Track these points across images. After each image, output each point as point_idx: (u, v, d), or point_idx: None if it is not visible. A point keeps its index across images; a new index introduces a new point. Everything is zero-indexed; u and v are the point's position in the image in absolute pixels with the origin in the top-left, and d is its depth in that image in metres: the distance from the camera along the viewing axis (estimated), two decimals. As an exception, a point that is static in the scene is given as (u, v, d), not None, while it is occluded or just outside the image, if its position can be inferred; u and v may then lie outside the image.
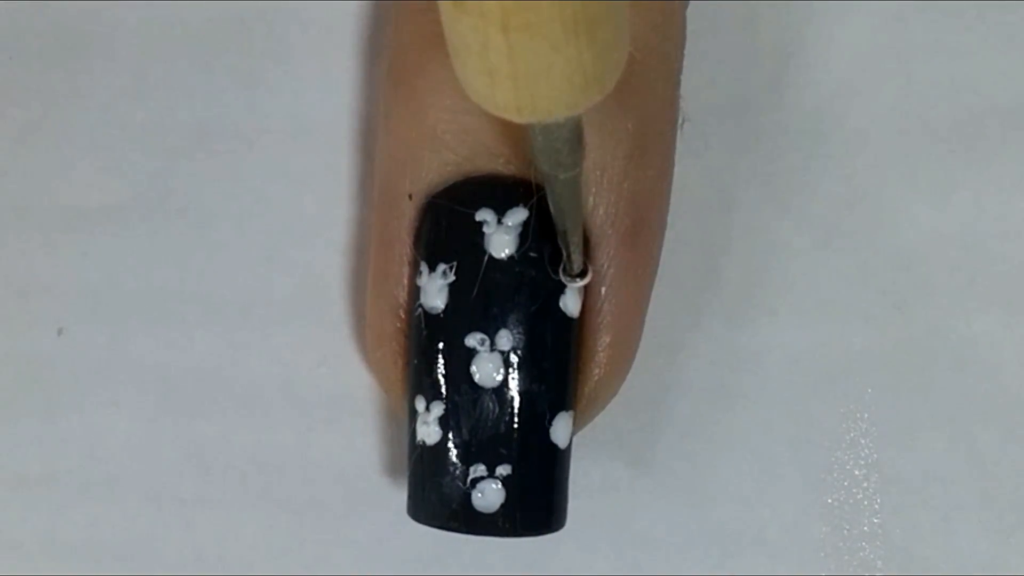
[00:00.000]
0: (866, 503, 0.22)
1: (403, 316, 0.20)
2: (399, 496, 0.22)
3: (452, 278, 0.19)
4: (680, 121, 0.21)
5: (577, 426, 0.20)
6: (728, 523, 0.22)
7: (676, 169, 0.21)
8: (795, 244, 0.22)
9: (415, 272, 0.19)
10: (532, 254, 0.19)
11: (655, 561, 0.22)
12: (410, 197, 0.20)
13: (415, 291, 0.19)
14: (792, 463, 0.22)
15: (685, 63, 0.20)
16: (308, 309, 0.23)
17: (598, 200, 0.19)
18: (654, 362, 0.22)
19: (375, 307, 0.20)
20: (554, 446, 0.19)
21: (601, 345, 0.20)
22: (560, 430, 0.19)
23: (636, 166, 0.19)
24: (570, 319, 0.19)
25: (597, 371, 0.20)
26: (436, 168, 0.19)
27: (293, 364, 0.23)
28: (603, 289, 0.19)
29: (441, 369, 0.19)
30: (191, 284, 0.23)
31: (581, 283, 0.19)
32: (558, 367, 0.19)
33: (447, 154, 0.19)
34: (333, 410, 0.23)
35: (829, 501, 0.22)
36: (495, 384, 0.19)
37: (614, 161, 0.19)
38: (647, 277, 0.20)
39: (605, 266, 0.19)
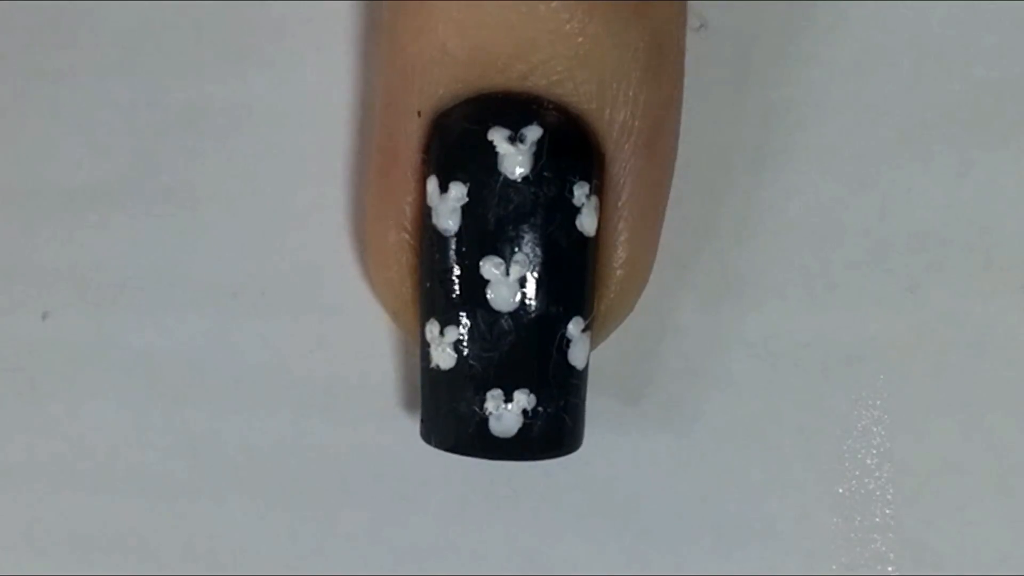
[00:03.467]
0: (878, 493, 0.22)
1: (411, 230, 0.20)
2: (394, 485, 0.22)
3: (465, 199, 0.19)
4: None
5: (594, 345, 0.20)
6: (736, 514, 0.22)
7: (681, 150, 0.20)
8: (805, 226, 0.22)
9: (424, 188, 0.19)
10: (547, 173, 0.19)
11: (661, 553, 0.22)
12: (419, 114, 0.19)
13: (425, 211, 0.19)
14: (802, 452, 0.22)
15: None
16: (301, 293, 0.22)
17: (614, 113, 0.19)
18: (661, 347, 0.22)
19: (380, 225, 0.20)
20: (572, 368, 0.19)
21: (617, 261, 0.20)
22: (578, 352, 0.19)
23: (652, 77, 0.19)
24: (587, 238, 0.19)
25: (614, 287, 0.20)
26: (446, 84, 0.19)
27: (286, 349, 0.22)
28: (619, 203, 0.19)
29: (455, 293, 0.19)
30: (180, 267, 0.23)
31: None
32: (575, 288, 0.19)
33: (457, 69, 0.19)
34: (327, 396, 0.22)
35: (840, 491, 0.22)
36: (511, 307, 0.19)
37: (631, 73, 0.19)
38: (663, 190, 0.20)
39: (621, 179, 0.19)
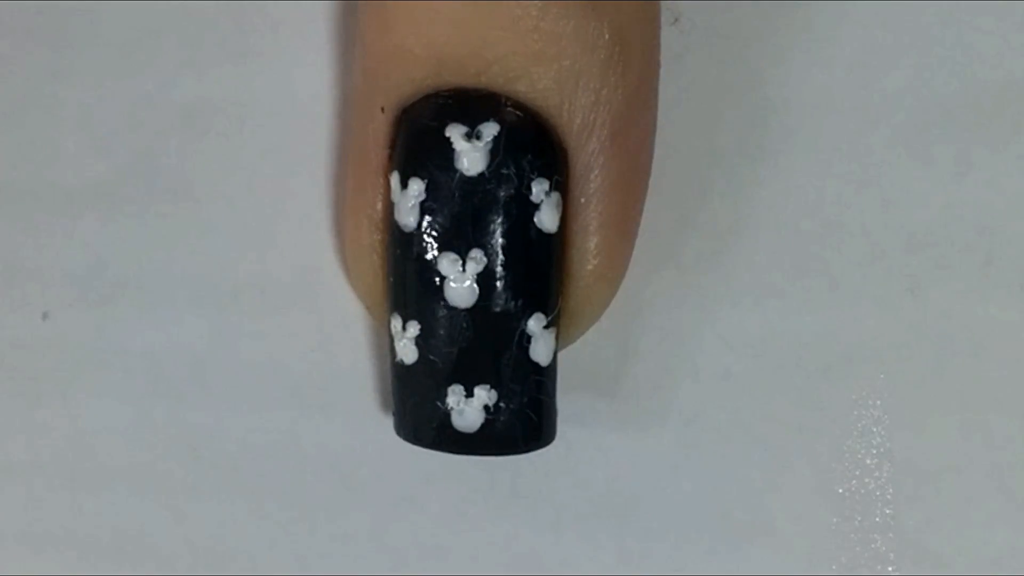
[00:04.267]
0: (878, 493, 0.22)
1: (382, 227, 0.20)
2: (395, 484, 0.22)
3: (423, 196, 0.19)
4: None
5: (563, 343, 0.20)
6: (735, 514, 0.22)
7: (679, 150, 0.21)
8: (804, 225, 0.22)
9: (390, 185, 0.19)
10: (504, 170, 0.19)
11: (659, 553, 0.22)
12: (383, 110, 0.19)
13: (391, 207, 0.19)
14: (801, 452, 0.22)
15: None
16: (300, 292, 0.22)
17: (574, 108, 0.19)
18: (658, 347, 0.22)
19: (354, 220, 0.20)
20: (535, 364, 0.19)
21: (586, 257, 0.19)
22: (541, 348, 0.19)
23: (615, 72, 0.19)
24: (547, 235, 0.19)
25: (583, 284, 0.20)
26: (406, 81, 0.19)
27: (285, 349, 0.22)
28: (584, 199, 0.19)
29: (414, 288, 0.19)
30: (180, 267, 0.22)
31: None
32: (535, 284, 0.19)
33: (415, 69, 0.19)
34: (326, 396, 0.22)
35: (840, 491, 0.22)
36: (468, 304, 0.19)
37: (591, 68, 0.19)
38: (633, 186, 0.20)
39: (587, 175, 0.19)
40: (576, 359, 0.21)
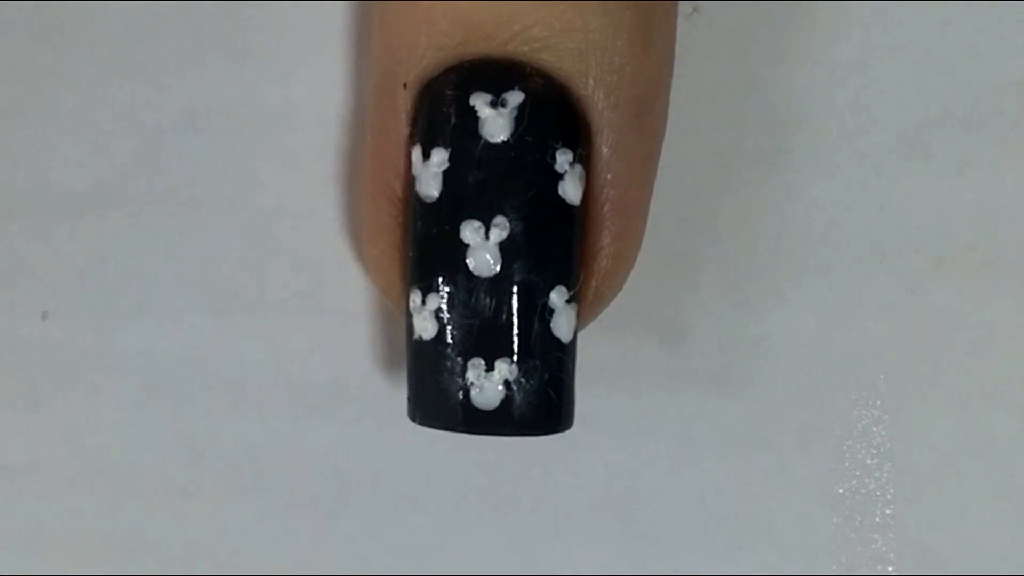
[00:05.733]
0: (879, 493, 0.22)
1: (400, 207, 0.20)
2: (393, 485, 0.22)
3: (447, 165, 0.19)
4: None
5: (583, 322, 0.20)
6: (735, 514, 0.22)
7: (680, 150, 0.20)
8: (805, 226, 0.22)
9: (411, 161, 0.19)
10: (528, 138, 0.19)
11: (660, 554, 0.22)
12: (405, 86, 0.19)
13: (412, 182, 0.19)
14: (802, 452, 0.22)
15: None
16: (300, 293, 0.22)
17: (598, 82, 0.19)
18: (659, 348, 0.22)
19: (372, 200, 0.20)
20: (556, 340, 0.19)
21: (605, 235, 0.19)
22: (563, 323, 0.19)
23: (639, 50, 0.19)
24: (570, 206, 0.19)
25: (603, 263, 0.19)
26: (431, 53, 0.19)
27: (285, 350, 0.22)
28: (608, 176, 0.19)
29: (436, 259, 0.19)
30: (179, 268, 0.22)
31: None
32: (558, 256, 0.19)
33: (441, 39, 0.19)
34: (326, 397, 0.22)
35: (840, 491, 0.22)
36: (491, 274, 0.19)
37: (615, 43, 0.19)
38: (651, 164, 0.20)
39: (607, 152, 0.19)
40: (576, 359, 0.21)
